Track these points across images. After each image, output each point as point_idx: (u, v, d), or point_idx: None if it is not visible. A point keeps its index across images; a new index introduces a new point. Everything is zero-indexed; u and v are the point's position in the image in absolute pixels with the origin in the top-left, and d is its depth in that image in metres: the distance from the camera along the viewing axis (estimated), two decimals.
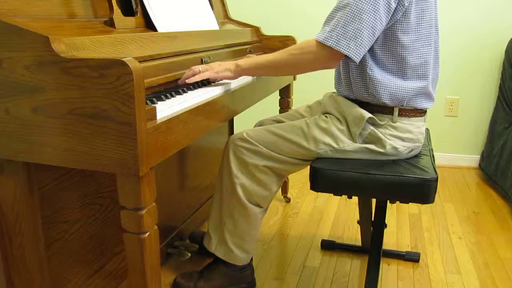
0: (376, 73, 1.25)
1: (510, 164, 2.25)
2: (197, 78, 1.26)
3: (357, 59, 1.17)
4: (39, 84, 0.86)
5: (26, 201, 1.01)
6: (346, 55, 1.17)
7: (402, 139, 1.30)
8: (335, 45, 1.16)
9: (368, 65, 1.25)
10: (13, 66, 0.87)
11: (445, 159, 2.83)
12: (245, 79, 1.46)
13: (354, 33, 1.14)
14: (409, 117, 1.30)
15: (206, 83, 1.35)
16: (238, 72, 1.30)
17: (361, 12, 1.14)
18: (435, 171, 1.25)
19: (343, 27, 1.15)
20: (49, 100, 0.87)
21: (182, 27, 1.43)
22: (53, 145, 0.89)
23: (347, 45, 1.15)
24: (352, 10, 1.14)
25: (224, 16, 2.00)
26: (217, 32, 1.64)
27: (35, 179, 1.02)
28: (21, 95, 0.88)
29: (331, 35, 1.16)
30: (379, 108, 1.30)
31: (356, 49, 1.15)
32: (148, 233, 0.92)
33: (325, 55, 1.19)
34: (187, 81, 1.26)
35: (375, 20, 1.14)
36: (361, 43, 1.15)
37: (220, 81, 1.38)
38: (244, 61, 1.30)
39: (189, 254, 1.59)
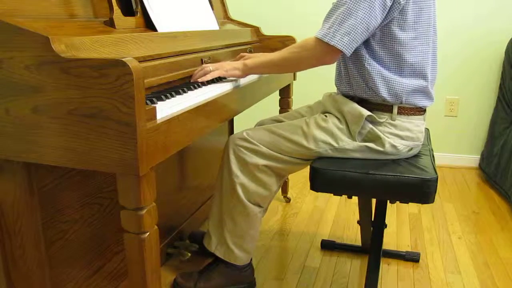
0: (374, 66, 1.27)
1: (510, 164, 2.25)
2: (208, 77, 1.33)
3: (348, 52, 1.21)
4: (39, 84, 0.86)
5: (26, 201, 1.01)
6: (339, 50, 1.20)
7: (401, 137, 1.30)
8: (330, 40, 1.20)
9: (366, 59, 1.27)
10: (13, 66, 0.87)
11: (445, 159, 2.83)
12: (245, 79, 1.46)
13: (349, 29, 1.18)
14: (408, 115, 1.30)
15: (215, 80, 1.42)
16: (245, 71, 1.37)
17: (357, 9, 1.17)
18: (435, 171, 1.25)
19: (339, 24, 1.19)
20: (49, 100, 0.87)
21: (182, 27, 1.43)
22: (53, 145, 0.89)
23: (340, 40, 1.19)
24: (349, 8, 1.18)
25: (224, 16, 2.00)
26: (217, 32, 1.64)
27: (35, 179, 1.02)
28: (21, 95, 0.88)
29: (328, 31, 1.21)
30: (378, 106, 1.30)
31: (349, 44, 1.20)
32: (148, 233, 0.92)
33: (322, 50, 1.24)
34: (199, 80, 1.32)
35: (370, 17, 1.18)
36: (354, 38, 1.20)
37: (219, 81, 1.39)
38: (251, 61, 1.37)
39: (189, 254, 1.59)
